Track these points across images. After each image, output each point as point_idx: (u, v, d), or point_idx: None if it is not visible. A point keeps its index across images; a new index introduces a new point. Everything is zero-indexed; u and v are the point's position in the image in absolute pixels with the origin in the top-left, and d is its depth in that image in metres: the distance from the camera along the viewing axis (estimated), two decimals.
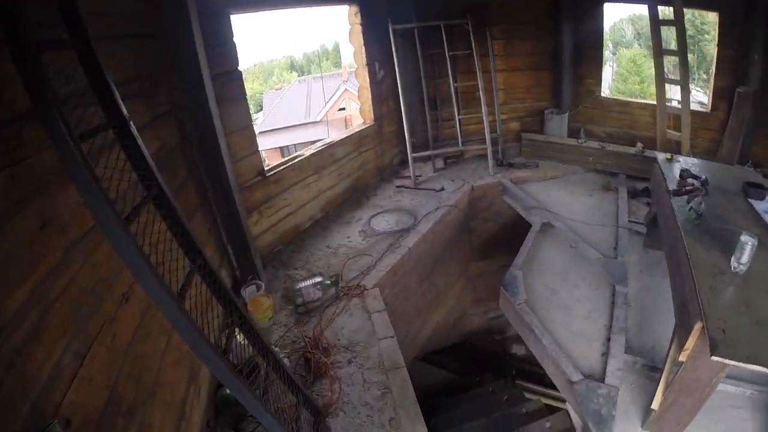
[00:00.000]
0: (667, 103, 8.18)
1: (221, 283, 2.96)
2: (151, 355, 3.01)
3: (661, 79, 8.08)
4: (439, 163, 9.41)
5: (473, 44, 8.56)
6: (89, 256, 2.46)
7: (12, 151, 1.99)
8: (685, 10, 7.34)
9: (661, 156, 6.11)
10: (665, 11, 7.77)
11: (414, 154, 8.56)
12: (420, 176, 8.88)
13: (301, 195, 6.97)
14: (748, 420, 4.14)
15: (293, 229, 6.96)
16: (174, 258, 2.54)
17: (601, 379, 4.35)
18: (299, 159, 6.86)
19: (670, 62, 8.23)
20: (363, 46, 7.89)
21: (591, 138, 9.39)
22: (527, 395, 7.65)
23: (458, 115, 8.95)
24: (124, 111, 2.40)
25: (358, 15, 7.68)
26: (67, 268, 2.25)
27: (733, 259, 3.53)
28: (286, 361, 4.39)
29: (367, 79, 8.15)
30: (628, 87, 32.06)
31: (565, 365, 4.56)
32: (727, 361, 2.80)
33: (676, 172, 5.38)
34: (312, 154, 7.08)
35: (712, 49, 8.17)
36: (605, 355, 4.64)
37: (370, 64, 8.07)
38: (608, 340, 4.84)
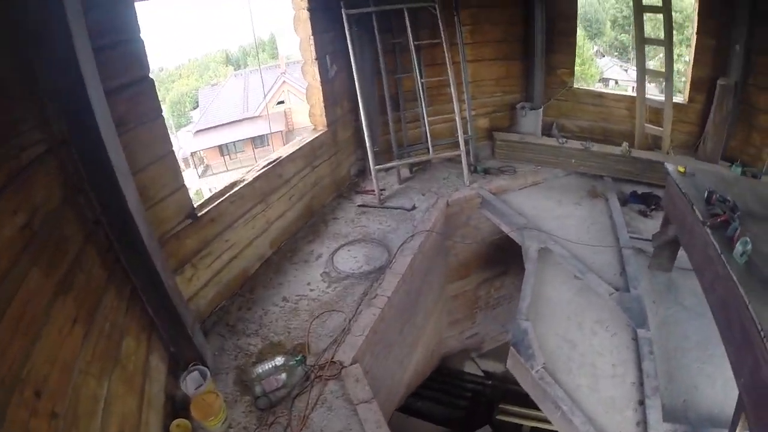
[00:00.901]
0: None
1: None
2: None
3: (642, 70, 7.57)
4: (405, 172, 7.95)
5: (442, 31, 7.13)
6: None
7: None
8: None
9: (671, 167, 5.16)
10: None
11: (377, 167, 7.06)
12: (384, 190, 7.42)
13: (246, 232, 5.37)
14: None
15: (240, 276, 5.38)
16: None
17: None
18: (241, 187, 5.22)
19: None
20: (311, 37, 6.29)
21: (564, 134, 8.60)
22: (513, 420, 7.62)
23: (426, 115, 7.50)
24: None
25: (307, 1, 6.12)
26: None
27: None
28: None
29: (317, 77, 6.54)
30: None
31: None
32: None
33: (696, 189, 4.58)
34: (256, 179, 5.46)
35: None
36: (641, 425, 3.89)
37: (320, 59, 6.46)
38: (641, 403, 4.06)
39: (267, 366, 4.04)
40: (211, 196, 4.98)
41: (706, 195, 4.32)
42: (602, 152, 7.79)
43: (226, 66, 57.74)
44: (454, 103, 7.30)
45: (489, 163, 8.28)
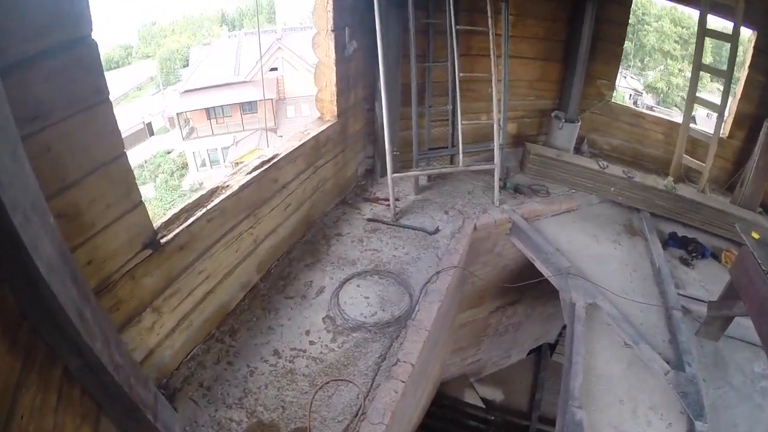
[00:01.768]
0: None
1: None
2: None
3: (692, 98, 6.76)
4: (422, 179, 6.50)
5: (489, 17, 5.68)
6: None
7: None
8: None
9: (743, 231, 4.23)
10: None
11: (396, 174, 5.61)
12: (398, 200, 5.98)
13: (227, 257, 3.93)
14: None
15: (217, 313, 3.95)
16: None
17: None
18: (222, 198, 3.71)
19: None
20: (331, 1, 4.77)
21: (593, 150, 7.95)
22: None
23: (459, 114, 6.02)
24: None
25: None
26: None
27: None
28: None
29: (332, 54, 5.02)
30: None
31: None
32: None
33: None
34: (244, 186, 3.96)
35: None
36: None
37: (337, 30, 4.93)
38: None
39: None
40: (180, 211, 3.49)
41: None
42: (645, 184, 6.60)
43: (221, 26, 55.75)
44: (494, 104, 5.89)
45: (518, 178, 6.94)
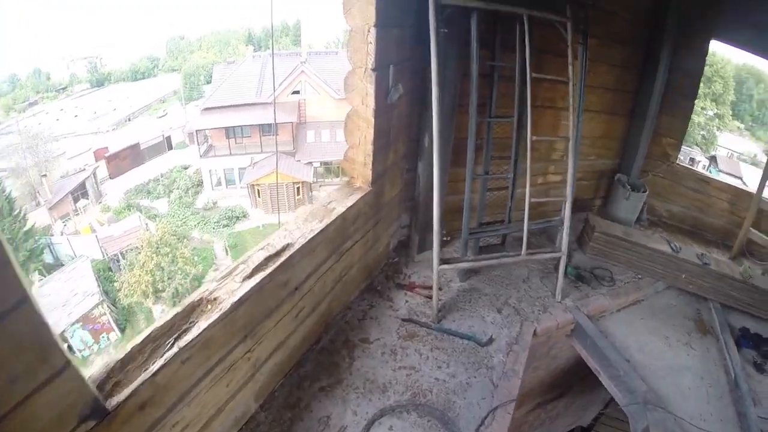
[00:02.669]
0: None
1: None
2: None
3: None
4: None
5: (570, 63, 4.50)
6: None
7: None
8: None
9: None
10: None
11: (444, 266, 4.34)
12: (441, 290, 4.71)
13: (215, 395, 2.67)
14: None
15: None
16: None
17: None
18: (209, 324, 2.46)
19: None
20: (372, 29, 3.48)
21: (651, 217, 6.92)
22: None
23: (526, 184, 4.67)
24: None
25: None
26: None
27: None
28: None
29: (371, 101, 3.75)
30: None
31: None
32: None
33: None
34: (240, 301, 2.68)
35: None
36: None
37: (379, 70, 3.67)
38: None
39: None
40: (141, 345, 2.26)
41: None
42: (720, 272, 5.38)
43: (247, 45, 55.16)
44: (569, 171, 4.69)
45: (577, 258, 5.68)
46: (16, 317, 1.44)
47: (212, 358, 2.58)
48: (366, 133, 3.92)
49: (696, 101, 6.35)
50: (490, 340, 4.15)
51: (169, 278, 22.17)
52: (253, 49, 53.32)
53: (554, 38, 4.48)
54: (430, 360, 3.91)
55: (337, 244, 3.77)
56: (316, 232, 3.37)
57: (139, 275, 22.01)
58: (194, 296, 2.66)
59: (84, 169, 36.85)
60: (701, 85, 5.51)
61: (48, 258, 28.29)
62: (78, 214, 32.28)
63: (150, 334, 2.31)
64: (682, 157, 6.93)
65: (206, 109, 32.20)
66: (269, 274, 2.92)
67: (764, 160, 6.27)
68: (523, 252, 4.55)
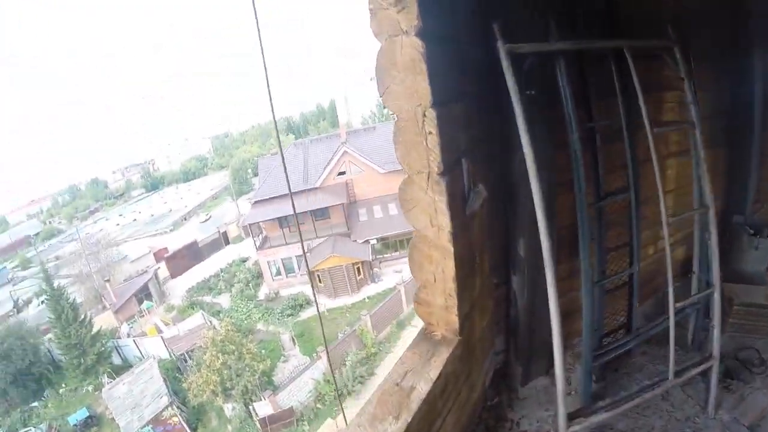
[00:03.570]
0: None
1: None
2: None
3: None
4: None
5: (691, 102, 3.19)
6: None
7: None
8: None
9: None
10: None
11: (575, 428, 2.90)
12: None
13: None
14: None
15: None
16: None
17: None
18: None
19: None
20: (429, 110, 2.15)
21: None
22: None
23: (671, 279, 3.21)
24: None
25: (415, 16, 1.98)
26: None
27: None
28: None
29: (444, 221, 2.37)
30: None
31: None
32: None
33: None
34: None
35: None
36: None
37: (449, 170, 2.31)
38: None
39: None
40: None
41: None
42: None
43: (287, 135, 55.82)
44: (713, 245, 3.45)
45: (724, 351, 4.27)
46: None
47: None
48: (443, 265, 2.55)
49: None
50: None
51: (237, 375, 21.40)
52: (294, 137, 53.90)
53: (651, 72, 3.35)
54: None
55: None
56: None
57: (207, 375, 21.37)
58: None
59: (146, 271, 37.19)
60: None
61: (116, 360, 28.65)
62: (143, 315, 32.47)
63: None
64: None
65: (257, 201, 32.19)
66: None
67: None
68: (671, 375, 3.30)
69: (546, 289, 2.73)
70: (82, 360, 27.06)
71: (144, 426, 21.09)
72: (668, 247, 3.16)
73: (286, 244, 30.77)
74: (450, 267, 2.53)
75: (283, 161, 3.54)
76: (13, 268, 55.69)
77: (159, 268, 38.35)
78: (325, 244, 29.49)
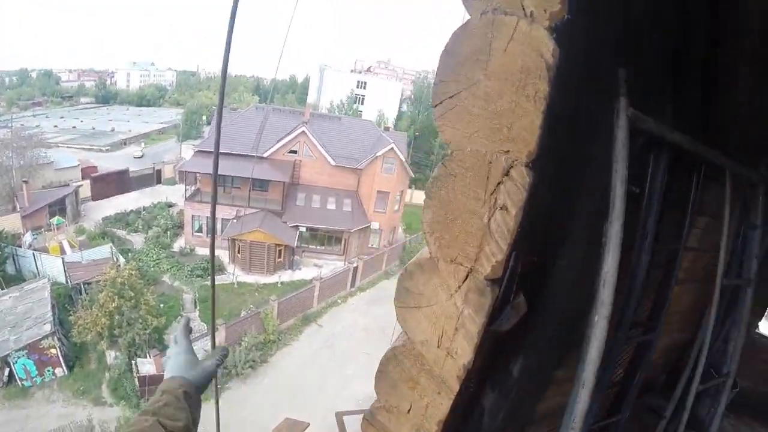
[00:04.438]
0: None
1: None
2: None
3: None
4: None
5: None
6: None
7: None
8: None
9: None
10: None
11: None
12: None
13: None
14: None
15: None
16: None
17: None
18: None
19: None
20: (524, 169, 1.15)
21: None
22: None
23: None
24: None
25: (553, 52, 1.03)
26: None
27: None
28: None
29: (466, 344, 1.22)
30: None
31: None
32: None
33: None
34: None
35: None
36: None
37: (503, 273, 1.31)
38: None
39: None
40: None
41: None
42: None
43: (253, 95, 53.92)
44: None
45: None
46: None
47: None
48: (431, 401, 1.62)
49: None
50: None
51: (129, 324, 19.84)
52: (258, 99, 52.07)
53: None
54: None
55: None
56: None
57: (97, 315, 19.64)
58: None
59: (68, 185, 34.73)
60: None
61: (10, 269, 26.09)
62: (51, 230, 29.92)
63: None
64: None
65: (200, 151, 30.51)
66: None
67: None
68: None
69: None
70: None
71: (19, 349, 19.11)
72: None
73: (217, 203, 29.08)
74: (441, 408, 1.62)
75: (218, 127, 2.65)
76: None
77: (81, 186, 35.51)
78: (254, 216, 28.10)
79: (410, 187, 37.15)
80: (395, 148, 30.87)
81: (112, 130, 56.06)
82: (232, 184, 29.34)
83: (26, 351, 19.03)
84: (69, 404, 18.86)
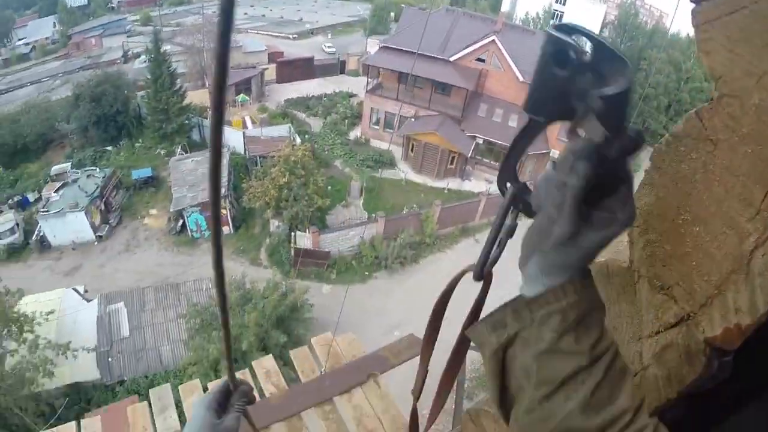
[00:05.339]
0: None
1: None
2: None
3: None
4: None
5: None
6: None
7: None
8: None
9: None
10: None
11: None
12: None
13: None
14: None
15: None
16: None
17: None
18: None
19: None
20: None
21: None
22: None
23: None
24: None
25: None
26: None
27: None
28: None
29: None
30: None
31: None
32: None
33: None
34: None
35: None
36: None
37: None
38: None
39: None
40: None
41: None
42: None
43: None
44: None
45: None
46: None
47: None
48: None
49: None
50: None
51: (295, 200, 20.43)
52: (449, 2, 49.73)
53: None
54: None
55: None
56: None
57: (268, 187, 20.52)
58: None
59: (255, 67, 35.76)
60: None
61: (195, 136, 29.04)
62: (235, 105, 31.64)
63: None
64: None
65: (385, 47, 29.57)
66: None
67: None
68: None
69: None
70: (164, 126, 27.27)
71: (194, 205, 21.35)
72: None
73: (397, 99, 28.36)
74: None
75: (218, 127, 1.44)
76: (134, 21, 55.36)
77: (267, 69, 36.92)
78: (433, 119, 26.91)
79: None
80: None
81: (300, 19, 56.76)
82: (414, 83, 28.11)
83: (199, 208, 21.40)
84: (228, 259, 20.23)
